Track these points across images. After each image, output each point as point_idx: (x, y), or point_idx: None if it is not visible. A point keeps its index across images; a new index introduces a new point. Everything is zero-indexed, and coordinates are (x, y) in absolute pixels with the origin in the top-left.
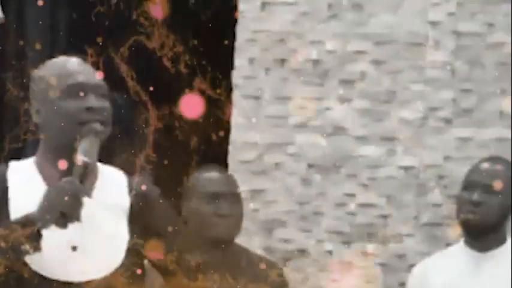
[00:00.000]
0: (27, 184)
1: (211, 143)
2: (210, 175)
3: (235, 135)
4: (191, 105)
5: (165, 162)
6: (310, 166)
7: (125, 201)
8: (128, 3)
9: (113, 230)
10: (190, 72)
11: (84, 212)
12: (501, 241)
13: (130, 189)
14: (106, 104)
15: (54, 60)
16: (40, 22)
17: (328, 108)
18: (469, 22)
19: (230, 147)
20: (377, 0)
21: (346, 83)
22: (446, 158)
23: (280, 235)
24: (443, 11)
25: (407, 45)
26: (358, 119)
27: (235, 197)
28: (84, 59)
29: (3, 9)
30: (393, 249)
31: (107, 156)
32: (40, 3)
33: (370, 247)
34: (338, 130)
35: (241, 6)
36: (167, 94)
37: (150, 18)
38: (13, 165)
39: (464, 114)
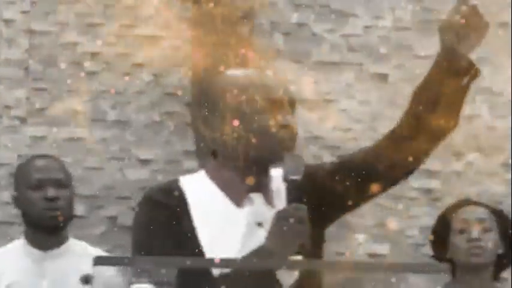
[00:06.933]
0: (207, 199)
1: None
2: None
3: None
4: None
5: None
6: None
7: None
8: None
9: None
10: None
11: None
12: (63, 240)
13: None
14: None
15: None
16: None
17: None
18: (43, 21)
19: None
20: None
21: None
22: (20, 157)
23: None
24: (17, 9)
25: None
26: None
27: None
28: None
29: None
30: None
31: None
32: None
33: None
34: None
35: None
36: None
37: None
38: (183, 179)
39: (38, 113)
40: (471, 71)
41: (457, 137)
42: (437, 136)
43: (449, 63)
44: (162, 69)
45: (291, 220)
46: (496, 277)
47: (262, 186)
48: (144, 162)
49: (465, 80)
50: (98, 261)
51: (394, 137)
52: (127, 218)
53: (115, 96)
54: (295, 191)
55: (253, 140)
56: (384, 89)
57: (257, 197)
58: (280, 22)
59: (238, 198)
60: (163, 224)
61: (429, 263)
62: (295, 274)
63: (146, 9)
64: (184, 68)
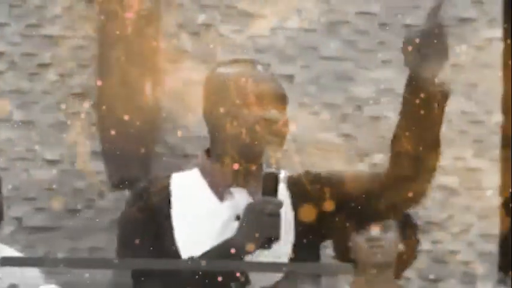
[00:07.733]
0: (194, 196)
1: None
2: None
3: None
4: None
5: None
6: None
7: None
8: None
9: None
10: None
11: None
12: None
13: None
14: None
15: None
16: None
17: None
18: None
19: None
20: None
21: None
22: None
23: None
24: None
25: None
26: None
27: None
28: None
29: None
30: None
31: None
32: None
33: None
34: None
35: None
36: None
37: None
38: (176, 176)
39: None
40: (440, 94)
41: (362, 138)
42: (427, 172)
43: (418, 89)
44: (68, 69)
45: (262, 212)
46: (397, 276)
47: (249, 181)
48: (51, 162)
49: (435, 105)
50: (5, 261)
51: (385, 183)
52: (32, 219)
53: (21, 96)
54: (271, 185)
55: (244, 135)
56: (290, 90)
57: (238, 191)
58: (187, 23)
59: (222, 193)
60: (144, 222)
61: (332, 264)
62: (276, 275)
63: (52, 9)
64: (91, 68)
